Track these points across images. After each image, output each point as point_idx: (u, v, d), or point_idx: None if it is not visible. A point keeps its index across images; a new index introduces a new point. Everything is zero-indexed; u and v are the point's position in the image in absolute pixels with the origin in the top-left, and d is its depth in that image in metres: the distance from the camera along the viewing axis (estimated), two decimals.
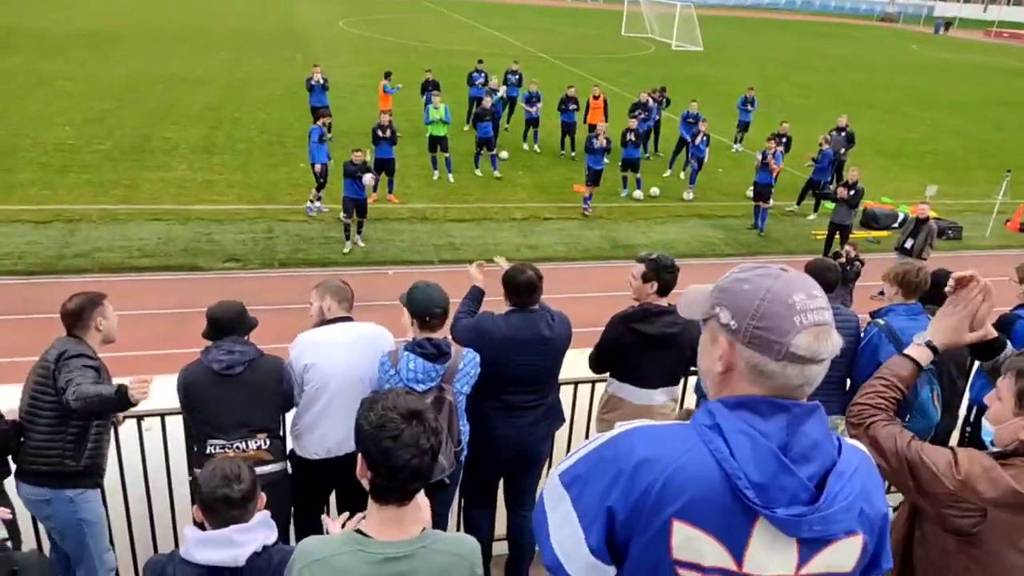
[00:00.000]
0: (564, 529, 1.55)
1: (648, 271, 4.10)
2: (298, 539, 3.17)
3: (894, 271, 4.35)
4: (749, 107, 20.49)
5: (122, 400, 3.30)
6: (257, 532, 2.45)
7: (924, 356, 2.47)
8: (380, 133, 14.27)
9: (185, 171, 15.68)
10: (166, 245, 12.21)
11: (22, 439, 3.53)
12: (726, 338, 1.51)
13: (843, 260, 9.79)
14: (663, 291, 4.13)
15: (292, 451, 3.91)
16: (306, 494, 3.96)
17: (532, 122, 19.12)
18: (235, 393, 3.55)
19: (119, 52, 28.11)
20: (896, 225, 15.71)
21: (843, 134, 14.68)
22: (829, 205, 14.89)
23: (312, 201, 13.92)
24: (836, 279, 4.58)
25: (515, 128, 19.91)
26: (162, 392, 3.80)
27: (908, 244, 11.56)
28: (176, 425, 3.75)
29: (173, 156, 16.56)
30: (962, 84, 38.20)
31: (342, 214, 12.44)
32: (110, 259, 11.57)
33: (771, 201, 15.06)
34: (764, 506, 1.40)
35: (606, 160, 15.35)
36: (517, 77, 20.54)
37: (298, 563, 2.00)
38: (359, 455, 1.99)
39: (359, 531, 1.99)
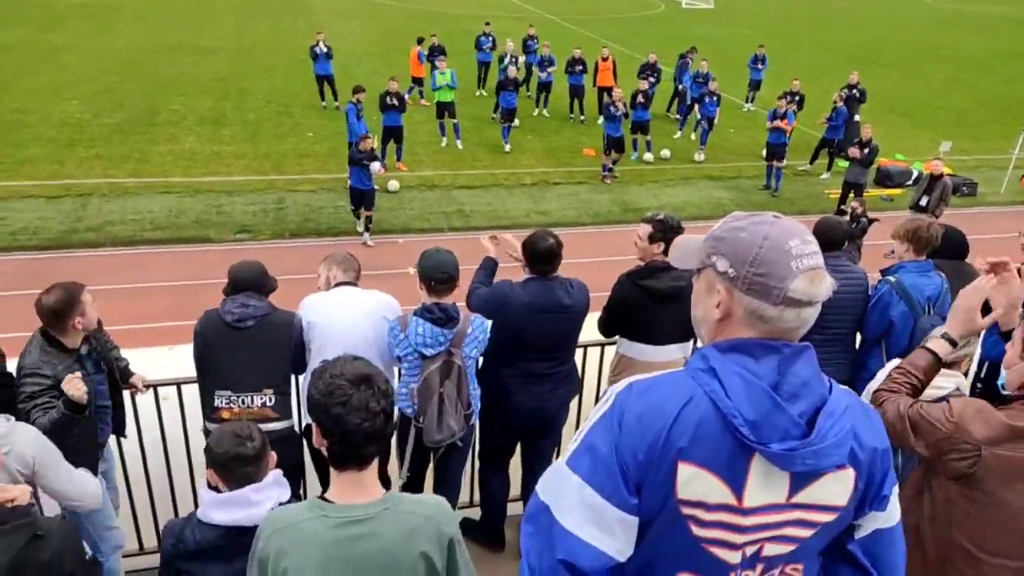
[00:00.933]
0: (580, 510, 1.55)
1: (655, 231, 4.09)
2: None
3: (904, 227, 4.32)
4: (760, 65, 20.19)
5: (74, 410, 3.18)
6: (271, 490, 2.49)
7: (942, 348, 2.57)
8: (388, 100, 14.15)
9: (194, 143, 15.67)
10: (177, 218, 12.26)
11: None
12: (724, 286, 1.54)
13: (849, 217, 9.71)
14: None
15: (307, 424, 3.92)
16: (318, 457, 3.99)
17: (544, 87, 18.90)
18: (245, 346, 3.59)
19: (123, 22, 27.91)
20: (910, 182, 15.54)
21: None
22: (843, 164, 14.73)
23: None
24: (842, 237, 4.56)
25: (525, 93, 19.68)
26: (177, 362, 3.86)
27: (923, 201, 11.44)
28: (192, 394, 3.80)
29: (181, 128, 16.55)
30: (976, 37, 37.44)
31: (351, 203, 12.01)
32: (122, 232, 11.65)
33: (785, 160, 14.90)
34: (758, 442, 1.45)
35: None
36: (535, 43, 20.15)
37: (266, 531, 2.02)
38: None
39: (322, 497, 2.02)
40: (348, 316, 3.83)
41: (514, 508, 4.48)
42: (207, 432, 3.60)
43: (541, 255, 3.99)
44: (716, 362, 1.51)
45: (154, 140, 15.67)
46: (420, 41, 18.87)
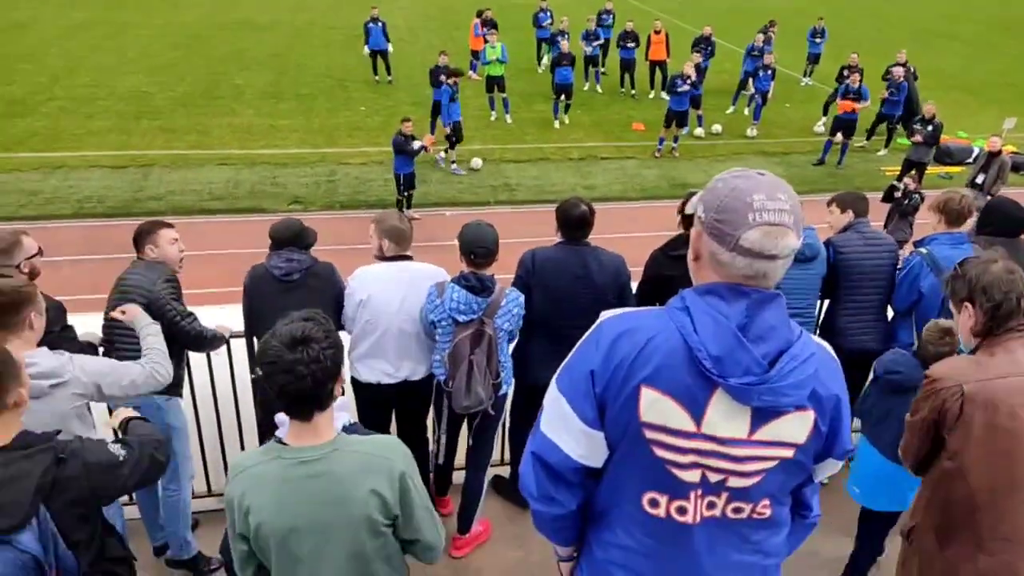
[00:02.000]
0: (556, 419, 1.79)
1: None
2: None
3: (936, 199, 4.30)
4: (818, 39, 19.70)
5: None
6: (340, 412, 2.53)
7: None
8: (438, 76, 14.09)
9: (252, 116, 16.11)
10: (235, 188, 12.68)
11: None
12: (698, 229, 1.70)
13: (902, 193, 9.51)
14: None
15: (352, 377, 4.12)
16: (363, 412, 4.20)
17: (591, 60, 18.72)
18: (294, 297, 3.77)
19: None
20: (970, 160, 15.05)
21: (930, 127, 13.17)
22: (903, 140, 14.33)
23: (445, 152, 13.94)
24: (866, 207, 4.56)
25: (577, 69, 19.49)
26: (228, 316, 4.11)
27: (979, 179, 11.11)
28: (239, 346, 4.05)
29: (240, 102, 17.01)
30: None
31: (399, 191, 11.93)
32: (182, 202, 12.12)
33: (852, 136, 14.59)
34: (720, 375, 1.59)
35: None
36: (611, 17, 19.64)
37: (231, 474, 2.20)
38: None
39: (278, 440, 2.17)
40: (401, 291, 3.95)
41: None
42: (258, 377, 3.82)
43: (572, 220, 4.09)
44: (691, 302, 1.66)
45: (214, 113, 16.15)
46: (480, 14, 18.91)
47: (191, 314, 3.74)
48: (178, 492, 3.90)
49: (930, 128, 12.83)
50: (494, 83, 16.09)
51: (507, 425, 4.59)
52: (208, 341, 3.79)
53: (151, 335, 3.31)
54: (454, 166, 13.85)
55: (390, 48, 18.20)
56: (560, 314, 4.09)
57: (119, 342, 3.59)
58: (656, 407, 1.64)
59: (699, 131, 16.13)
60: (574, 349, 1.81)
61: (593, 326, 1.79)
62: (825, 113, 16.65)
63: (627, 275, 4.21)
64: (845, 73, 16.15)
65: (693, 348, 1.61)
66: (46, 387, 2.65)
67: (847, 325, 4.43)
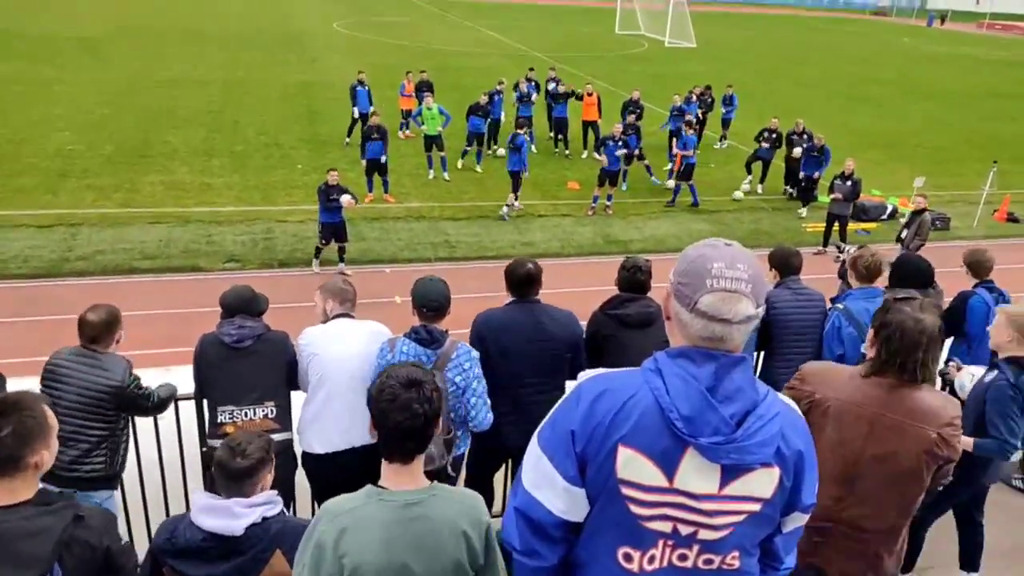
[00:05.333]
0: (538, 476, 1.87)
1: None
2: None
3: (850, 258, 4.64)
4: (729, 105, 20.66)
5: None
6: (259, 506, 2.66)
7: None
8: (371, 135, 14.41)
9: (185, 174, 15.91)
10: (167, 247, 12.44)
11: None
12: (667, 290, 1.85)
13: (842, 258, 9.95)
14: (640, 291, 4.48)
15: (303, 453, 4.06)
16: (316, 489, 4.15)
17: (527, 120, 19.01)
18: (245, 364, 3.81)
19: (117, 55, 28.28)
20: (885, 217, 15.99)
21: (849, 183, 13.85)
22: (824, 199, 14.97)
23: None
24: (799, 264, 4.86)
25: (508, 129, 19.85)
26: (174, 381, 4.06)
27: (903, 235, 11.86)
28: (187, 409, 3.99)
29: (173, 159, 16.79)
30: (954, 76, 38.45)
31: (319, 240, 12.01)
32: (112, 262, 11.81)
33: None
34: (690, 435, 1.71)
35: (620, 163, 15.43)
36: (556, 84, 19.37)
37: (325, 517, 2.21)
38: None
39: (377, 485, 2.26)
40: (346, 348, 3.98)
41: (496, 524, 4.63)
42: (207, 450, 3.78)
43: (521, 279, 4.23)
44: (663, 364, 1.78)
45: (145, 171, 15.89)
46: (408, 75, 19.26)
47: (153, 391, 3.77)
48: None
49: (849, 184, 13.55)
50: (432, 142, 16.36)
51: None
52: (168, 401, 3.81)
53: None
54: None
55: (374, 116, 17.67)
56: (516, 375, 4.15)
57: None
58: (632, 465, 1.75)
59: (655, 180, 17.15)
60: (554, 408, 1.90)
61: (573, 386, 1.89)
62: (748, 172, 17.42)
63: (580, 330, 4.33)
64: (765, 135, 17.01)
65: (665, 409, 1.72)
66: None
67: (780, 376, 4.65)
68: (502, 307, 4.28)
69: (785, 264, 4.80)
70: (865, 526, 2.80)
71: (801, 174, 16.14)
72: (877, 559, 2.86)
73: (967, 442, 3.67)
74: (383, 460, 2.29)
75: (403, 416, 2.17)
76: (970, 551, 4.48)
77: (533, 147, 17.92)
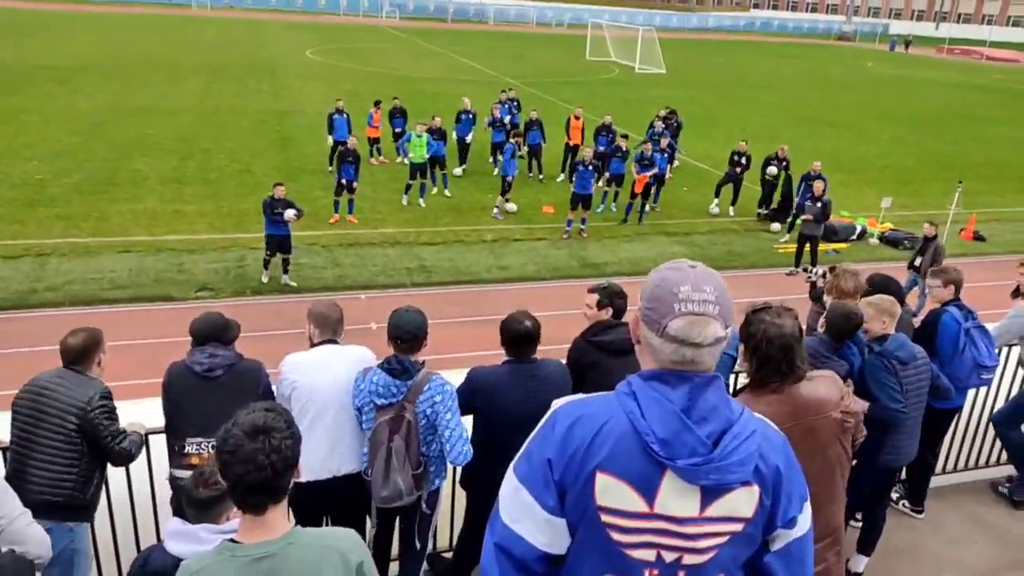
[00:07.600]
0: (516, 509, 1.81)
1: (601, 299, 4.42)
2: None
3: (828, 283, 4.75)
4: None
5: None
6: (227, 532, 2.56)
7: None
8: (346, 157, 14.93)
9: (156, 202, 15.75)
10: (138, 276, 12.27)
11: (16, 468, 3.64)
12: (635, 315, 1.85)
13: (813, 279, 10.02)
14: (618, 316, 4.43)
15: None
16: (299, 518, 4.05)
17: (497, 146, 19.20)
18: (215, 394, 3.72)
19: (88, 85, 28.02)
20: (855, 237, 16.24)
21: (819, 204, 14.00)
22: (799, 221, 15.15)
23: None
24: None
25: (484, 153, 20.02)
26: (145, 413, 3.97)
27: (917, 262, 12.09)
28: (158, 442, 3.91)
29: (143, 188, 16.62)
30: (917, 99, 39.34)
31: (265, 252, 12.32)
32: (82, 292, 11.62)
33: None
34: (668, 458, 1.69)
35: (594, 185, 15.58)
36: (516, 104, 20.45)
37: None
38: None
39: (231, 540, 2.12)
40: (329, 375, 3.91)
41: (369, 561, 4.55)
42: (173, 479, 3.70)
43: (519, 337, 4.02)
44: (637, 387, 1.76)
45: (115, 199, 15.71)
46: (377, 104, 19.29)
47: (123, 432, 3.65)
48: None
49: (819, 205, 13.78)
50: (417, 170, 16.40)
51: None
52: (134, 457, 3.70)
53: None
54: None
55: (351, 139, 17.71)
56: (507, 437, 4.05)
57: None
58: (610, 491, 1.72)
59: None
60: (529, 438, 1.86)
61: (547, 414, 1.85)
62: (717, 195, 17.63)
63: (570, 384, 4.15)
64: (735, 158, 17.26)
65: (641, 433, 1.70)
66: None
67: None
68: (496, 366, 4.08)
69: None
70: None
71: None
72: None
73: (860, 403, 3.90)
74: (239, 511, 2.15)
75: (245, 469, 1.99)
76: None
77: (521, 152, 18.13)
